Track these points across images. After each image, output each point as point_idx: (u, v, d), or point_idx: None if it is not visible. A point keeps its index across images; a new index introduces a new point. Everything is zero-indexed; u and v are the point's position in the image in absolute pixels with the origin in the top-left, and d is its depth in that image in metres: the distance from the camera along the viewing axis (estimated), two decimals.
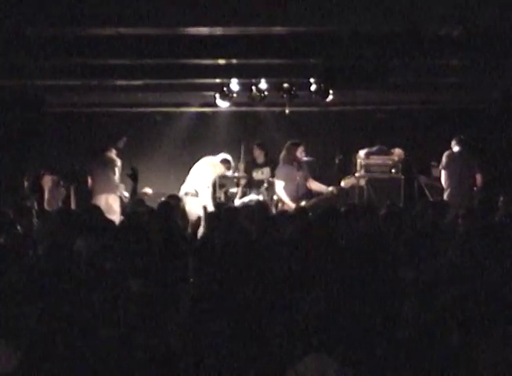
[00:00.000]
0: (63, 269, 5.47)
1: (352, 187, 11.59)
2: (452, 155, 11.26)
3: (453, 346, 3.77)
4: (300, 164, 11.18)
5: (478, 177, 11.19)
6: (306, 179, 11.32)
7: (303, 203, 10.71)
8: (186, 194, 11.34)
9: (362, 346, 3.92)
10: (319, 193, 11.30)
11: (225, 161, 11.88)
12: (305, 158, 11.32)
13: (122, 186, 12.26)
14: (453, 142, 11.39)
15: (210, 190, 11.63)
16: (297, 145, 11.26)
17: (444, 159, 11.29)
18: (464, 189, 11.04)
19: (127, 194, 11.92)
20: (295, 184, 11.01)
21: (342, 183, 11.52)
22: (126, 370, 3.69)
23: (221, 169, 11.79)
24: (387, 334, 4.14)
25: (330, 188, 11.27)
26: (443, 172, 11.24)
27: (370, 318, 4.24)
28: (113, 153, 11.78)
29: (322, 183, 11.52)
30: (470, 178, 11.15)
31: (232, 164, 11.98)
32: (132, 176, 8.54)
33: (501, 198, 8.97)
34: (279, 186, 11.18)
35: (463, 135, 11.49)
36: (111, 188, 11.48)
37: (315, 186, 11.39)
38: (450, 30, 8.33)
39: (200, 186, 11.54)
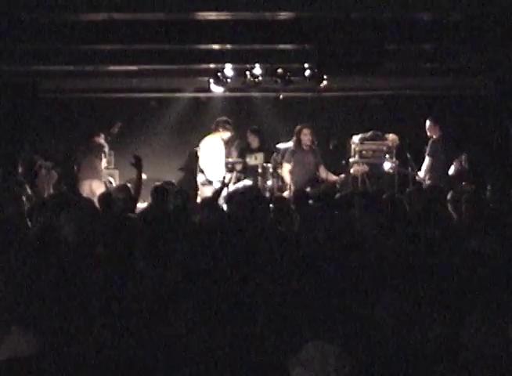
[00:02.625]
0: (52, 254, 5.49)
1: (362, 174, 11.53)
2: (437, 141, 11.04)
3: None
4: (306, 149, 11.16)
5: (456, 163, 11.13)
6: (317, 166, 11.22)
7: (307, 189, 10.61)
8: (202, 184, 11.41)
9: (362, 332, 3.94)
10: (324, 181, 11.17)
11: (220, 125, 11.79)
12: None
13: (115, 172, 12.27)
14: (435, 127, 11.08)
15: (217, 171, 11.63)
16: (301, 127, 11.24)
17: (430, 146, 11.04)
18: (444, 176, 10.94)
19: (112, 180, 11.95)
20: (299, 168, 11.05)
21: (352, 170, 11.46)
22: (129, 356, 3.71)
23: (216, 142, 11.74)
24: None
25: (336, 177, 11.17)
26: (428, 159, 10.96)
27: (369, 304, 4.26)
28: (100, 138, 11.78)
29: None
30: (449, 165, 11.08)
31: (230, 124, 11.86)
32: (136, 164, 8.58)
33: None
34: (285, 167, 11.24)
35: (446, 118, 11.37)
36: (96, 173, 11.49)
37: (323, 173, 11.24)
38: (445, 16, 8.33)
39: (206, 171, 11.63)
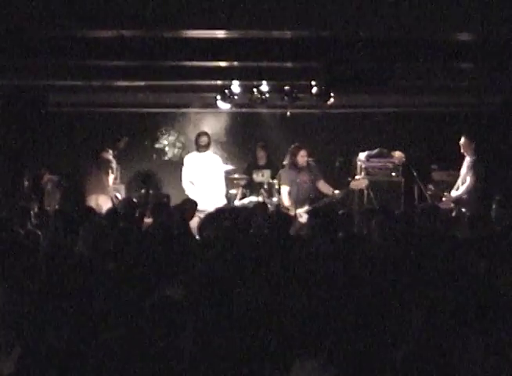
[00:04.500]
0: (65, 270, 5.51)
1: (361, 189, 11.53)
2: (478, 161, 10.87)
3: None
4: (301, 168, 10.96)
5: None
6: (314, 182, 11.02)
7: (305, 208, 10.59)
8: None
9: (346, 347, 3.98)
10: (326, 196, 11.03)
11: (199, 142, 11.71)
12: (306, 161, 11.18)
13: (121, 187, 12.29)
14: (470, 145, 10.92)
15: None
16: (298, 148, 11.04)
17: (473, 166, 10.83)
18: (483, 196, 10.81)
19: (119, 195, 11.95)
20: (296, 188, 10.83)
21: (351, 184, 11.42)
22: (130, 372, 3.74)
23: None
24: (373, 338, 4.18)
25: (336, 191, 10.96)
26: (472, 180, 10.73)
27: (356, 323, 4.28)
28: (108, 154, 11.82)
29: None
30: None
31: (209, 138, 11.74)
32: (145, 181, 8.61)
33: None
34: (283, 190, 11.03)
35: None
36: (102, 188, 11.48)
37: (323, 187, 11.06)
38: (451, 35, 8.36)
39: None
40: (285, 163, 11.29)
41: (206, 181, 11.34)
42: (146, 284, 5.50)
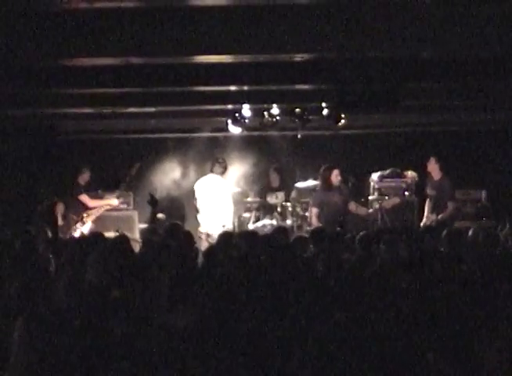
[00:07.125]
0: (78, 302, 5.47)
1: (394, 207, 11.49)
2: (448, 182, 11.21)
3: None
4: (334, 189, 10.80)
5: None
6: (345, 203, 10.86)
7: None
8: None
9: None
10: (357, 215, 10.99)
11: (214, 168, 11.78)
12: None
13: (134, 213, 12.21)
14: (436, 166, 11.14)
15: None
16: (331, 168, 10.85)
17: (450, 186, 11.15)
18: None
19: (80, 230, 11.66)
20: (326, 210, 10.69)
21: (384, 203, 11.36)
22: None
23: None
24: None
25: (370, 210, 10.96)
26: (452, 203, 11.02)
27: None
28: (83, 177, 11.68)
29: None
30: None
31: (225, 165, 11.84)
32: (151, 202, 8.55)
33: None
34: (314, 212, 10.83)
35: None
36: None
37: (354, 208, 10.96)
38: (459, 53, 8.34)
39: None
40: (317, 183, 11.31)
41: (215, 205, 11.37)
42: (149, 312, 5.45)
